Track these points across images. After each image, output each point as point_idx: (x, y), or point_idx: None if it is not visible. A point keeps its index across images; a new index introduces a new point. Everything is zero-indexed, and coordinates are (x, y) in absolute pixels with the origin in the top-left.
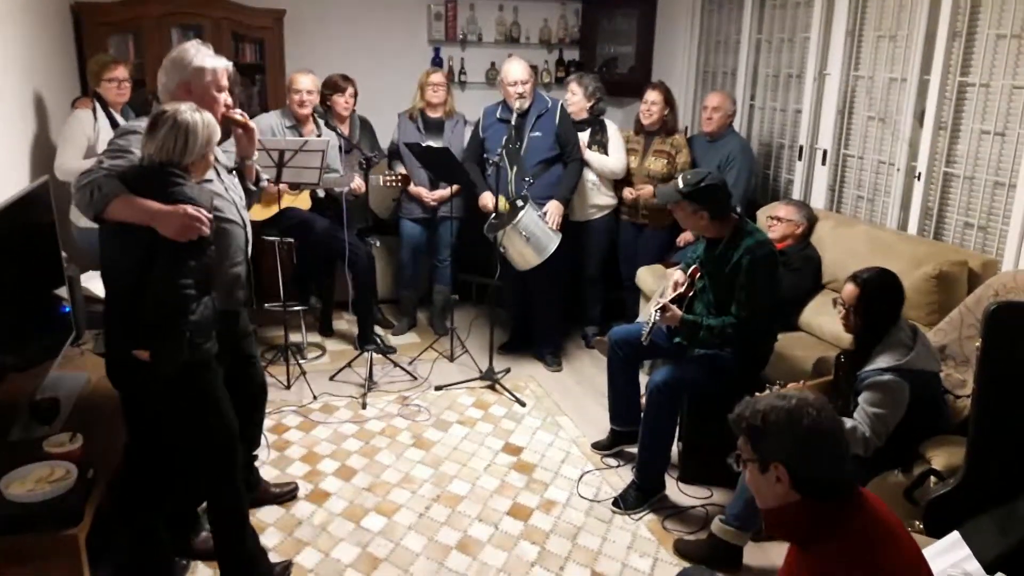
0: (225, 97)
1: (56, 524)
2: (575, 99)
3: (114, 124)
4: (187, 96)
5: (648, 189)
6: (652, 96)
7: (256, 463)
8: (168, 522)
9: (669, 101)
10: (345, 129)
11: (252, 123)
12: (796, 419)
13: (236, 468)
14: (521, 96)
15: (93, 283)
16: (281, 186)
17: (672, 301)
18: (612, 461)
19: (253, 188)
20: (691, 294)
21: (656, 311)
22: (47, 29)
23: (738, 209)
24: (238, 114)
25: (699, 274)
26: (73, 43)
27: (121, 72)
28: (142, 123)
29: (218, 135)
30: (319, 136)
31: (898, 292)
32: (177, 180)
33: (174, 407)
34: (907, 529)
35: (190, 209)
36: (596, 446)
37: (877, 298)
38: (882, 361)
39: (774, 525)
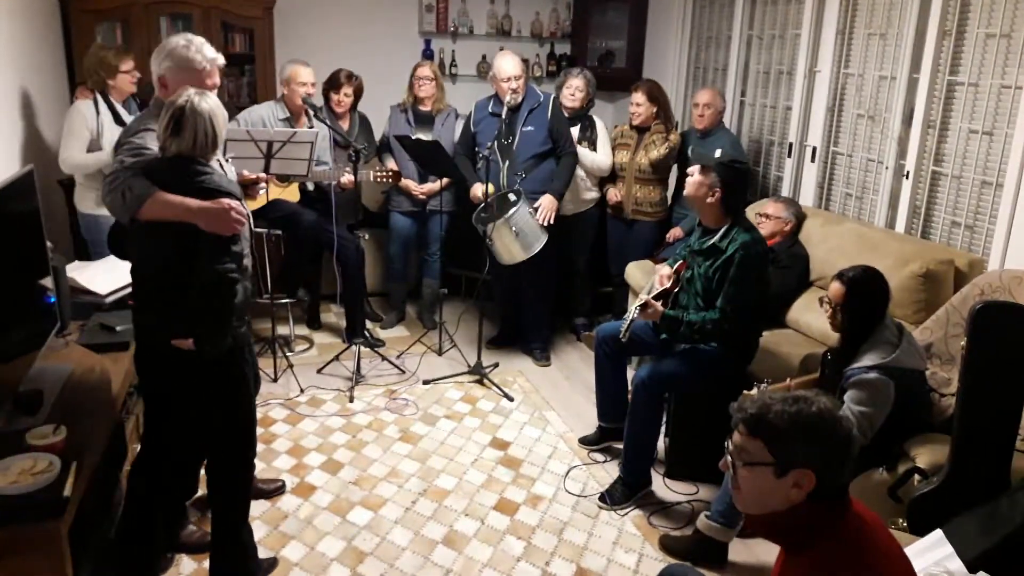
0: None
1: (39, 516)
2: (580, 95)
3: (116, 115)
4: (165, 92)
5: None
6: (636, 97)
7: None
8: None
9: (657, 99)
10: (345, 124)
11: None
12: (830, 425)
13: (251, 459)
14: (514, 92)
15: (80, 274)
16: (268, 177)
17: (657, 296)
18: (599, 456)
19: None
20: (676, 289)
21: (636, 307)
22: (34, 18)
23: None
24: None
25: (685, 268)
26: (60, 32)
27: (132, 62)
28: (145, 121)
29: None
30: (311, 129)
31: (883, 290)
32: (205, 170)
33: (208, 394)
34: (887, 527)
35: (232, 203)
36: (583, 441)
37: (863, 296)
38: (868, 359)
39: (768, 529)
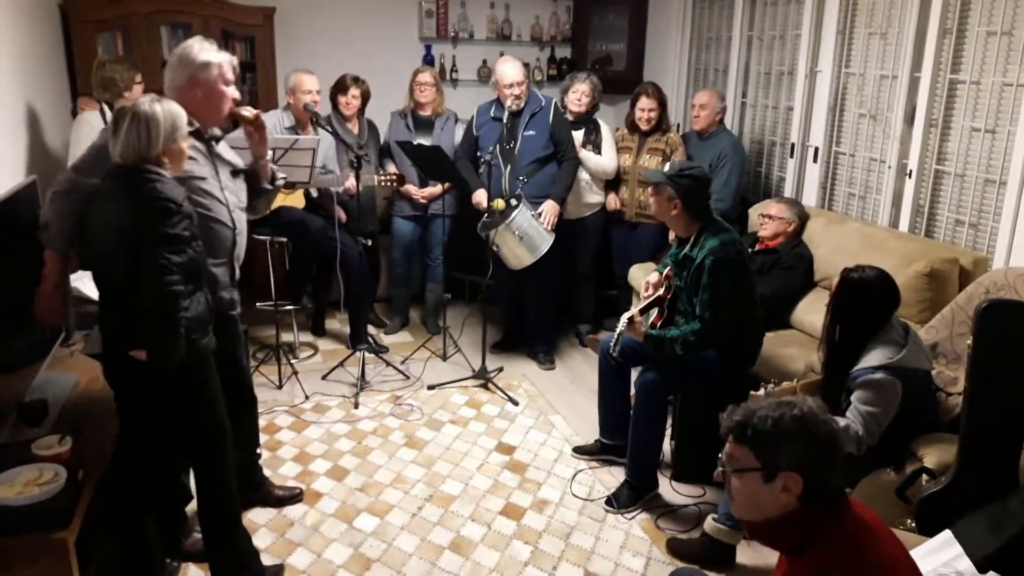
0: (232, 91)
1: (45, 527)
2: (587, 100)
3: None
4: (195, 91)
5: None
6: (647, 103)
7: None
8: (159, 523)
9: (662, 102)
10: (354, 128)
11: (264, 119)
12: (811, 427)
13: (227, 468)
14: (517, 98)
15: (83, 283)
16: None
17: (651, 305)
18: (595, 463)
19: (269, 187)
20: (669, 296)
21: (624, 321)
22: (35, 28)
23: (713, 213)
24: (247, 111)
25: (674, 276)
26: (61, 42)
27: (139, 76)
28: None
29: (184, 122)
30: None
31: (881, 298)
32: (150, 177)
33: (171, 404)
34: (889, 528)
35: (50, 309)
36: (579, 451)
37: (854, 298)
38: (874, 359)
39: (766, 535)
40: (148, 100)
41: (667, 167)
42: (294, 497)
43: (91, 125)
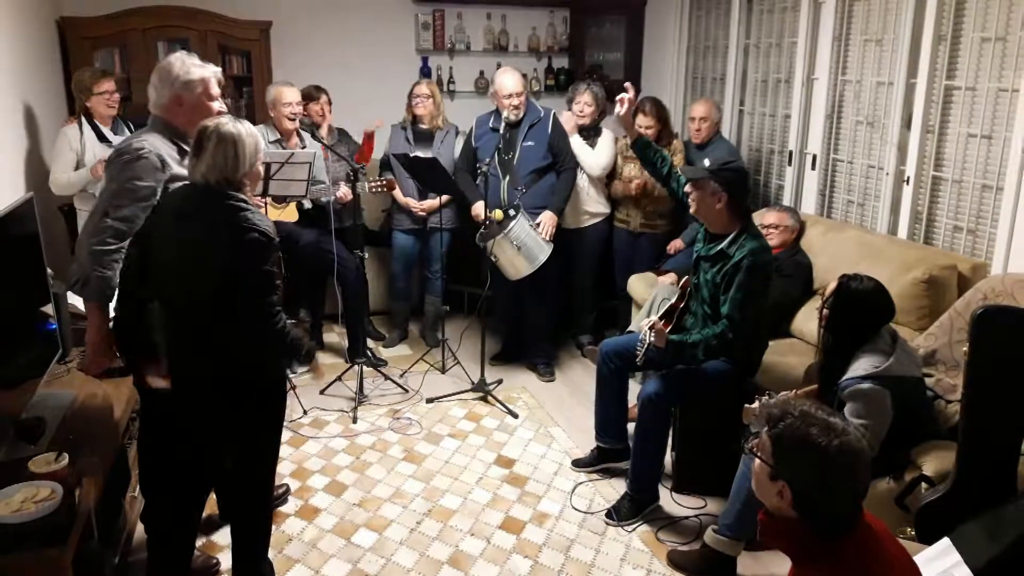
0: (218, 105)
1: (42, 545)
2: (590, 110)
3: (100, 136)
4: (179, 109)
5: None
6: (644, 120)
7: None
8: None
9: (661, 117)
10: (327, 139)
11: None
12: (828, 462)
13: (272, 486)
14: (515, 108)
15: (80, 299)
16: (267, 199)
17: (664, 314)
18: (596, 476)
19: None
20: (682, 304)
21: (650, 332)
22: (33, 44)
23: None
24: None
25: (692, 279)
26: (59, 58)
27: (110, 85)
28: (137, 141)
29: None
30: (304, 148)
31: (873, 310)
32: (241, 206)
33: (256, 421)
34: (896, 539)
35: (102, 359)
36: (577, 464)
37: (845, 307)
38: (860, 368)
39: (767, 531)
40: (229, 121)
41: (707, 161)
42: (282, 495)
43: (67, 136)
